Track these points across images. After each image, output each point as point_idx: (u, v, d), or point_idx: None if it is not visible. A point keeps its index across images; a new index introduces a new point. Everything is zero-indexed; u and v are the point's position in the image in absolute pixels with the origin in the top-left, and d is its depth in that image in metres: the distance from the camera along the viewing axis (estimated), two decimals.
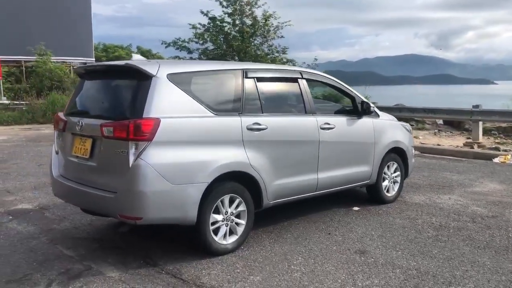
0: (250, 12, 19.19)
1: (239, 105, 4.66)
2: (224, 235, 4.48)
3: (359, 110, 5.90)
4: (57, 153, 4.96)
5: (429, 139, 13.36)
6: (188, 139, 4.21)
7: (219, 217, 4.42)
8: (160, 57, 30.52)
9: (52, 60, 23.58)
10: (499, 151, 10.76)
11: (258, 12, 19.23)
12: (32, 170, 8.77)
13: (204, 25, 19.15)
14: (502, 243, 4.83)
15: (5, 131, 15.90)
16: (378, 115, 6.18)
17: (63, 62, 24.88)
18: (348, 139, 5.72)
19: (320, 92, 15.48)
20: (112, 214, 4.17)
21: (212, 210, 4.35)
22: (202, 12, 19.02)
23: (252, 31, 18.56)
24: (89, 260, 4.38)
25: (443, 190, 7.23)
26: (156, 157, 3.98)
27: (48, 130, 15.77)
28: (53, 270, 4.15)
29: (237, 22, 19.24)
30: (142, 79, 4.14)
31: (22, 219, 5.70)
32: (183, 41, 19.32)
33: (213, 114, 4.39)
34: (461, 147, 11.50)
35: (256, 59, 18.34)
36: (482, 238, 4.98)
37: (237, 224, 4.58)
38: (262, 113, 4.81)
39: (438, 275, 4.02)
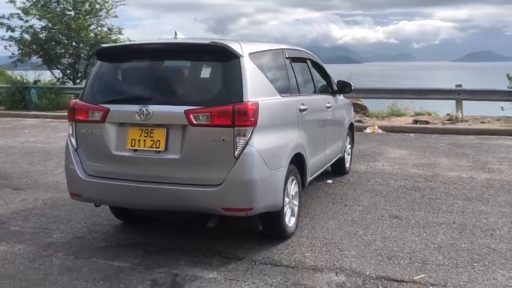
0: None
1: (288, 85, 4.59)
2: (289, 218, 4.43)
3: (335, 89, 6.28)
4: (76, 149, 4.10)
5: None
6: (272, 122, 4.02)
7: (287, 199, 4.35)
8: None
9: None
10: (363, 123, 12.45)
11: None
12: None
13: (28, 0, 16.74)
14: (475, 192, 5.88)
15: None
16: (340, 94, 6.66)
17: None
18: (337, 117, 6.11)
19: None
20: (213, 209, 3.71)
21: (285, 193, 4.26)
22: None
23: (90, 8, 16.98)
24: (162, 266, 3.83)
25: (367, 158, 8.17)
26: (260, 142, 3.75)
27: None
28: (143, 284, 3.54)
29: None
30: (229, 59, 3.77)
31: None
32: (2, 17, 16.58)
33: (280, 96, 4.26)
34: None
35: (96, 39, 16.90)
36: (456, 192, 5.97)
37: (293, 205, 4.56)
38: (299, 93, 4.83)
39: (474, 225, 4.75)
